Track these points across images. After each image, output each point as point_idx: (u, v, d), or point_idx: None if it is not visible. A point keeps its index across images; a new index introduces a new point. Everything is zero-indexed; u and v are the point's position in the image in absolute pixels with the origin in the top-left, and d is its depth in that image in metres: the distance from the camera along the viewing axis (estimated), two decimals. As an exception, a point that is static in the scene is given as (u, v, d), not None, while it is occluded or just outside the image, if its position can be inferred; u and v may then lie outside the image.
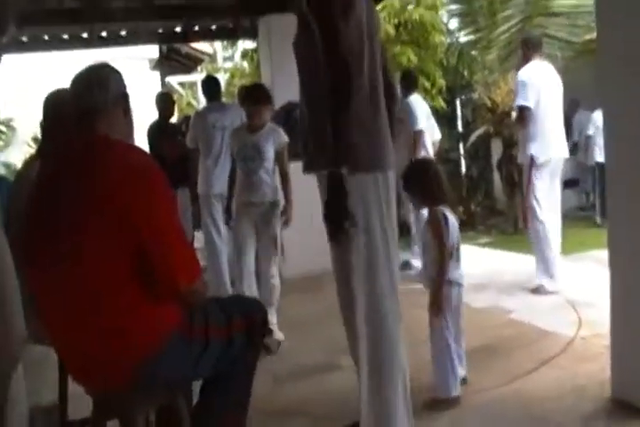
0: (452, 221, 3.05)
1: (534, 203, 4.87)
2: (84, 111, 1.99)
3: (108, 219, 1.80)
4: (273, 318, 3.97)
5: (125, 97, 2.07)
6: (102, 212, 1.81)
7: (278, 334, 4.04)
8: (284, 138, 4.16)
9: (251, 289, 4.21)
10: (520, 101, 4.86)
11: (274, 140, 4.12)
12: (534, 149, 4.83)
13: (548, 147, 4.86)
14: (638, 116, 2.69)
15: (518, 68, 5.26)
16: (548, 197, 4.91)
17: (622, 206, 2.85)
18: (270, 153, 4.10)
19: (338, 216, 2.22)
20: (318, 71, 2.24)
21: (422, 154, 5.58)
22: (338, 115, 2.20)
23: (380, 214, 2.32)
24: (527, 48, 5.12)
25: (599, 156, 7.97)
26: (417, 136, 5.62)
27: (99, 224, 1.81)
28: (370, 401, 2.36)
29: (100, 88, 2.00)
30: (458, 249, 3.09)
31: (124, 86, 2.08)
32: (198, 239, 5.89)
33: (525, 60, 5.07)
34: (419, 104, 5.85)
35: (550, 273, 4.81)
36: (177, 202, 5.30)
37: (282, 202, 4.17)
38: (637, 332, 2.78)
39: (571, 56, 8.26)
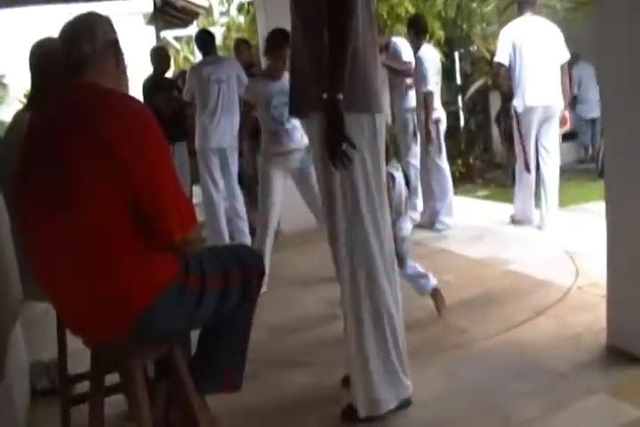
0: (399, 179, 3.19)
1: (517, 148, 5.36)
2: (73, 59, 1.95)
3: (101, 166, 1.77)
4: None
5: (115, 44, 2.02)
6: (95, 159, 1.78)
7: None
8: None
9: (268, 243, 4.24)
10: (496, 58, 5.30)
11: None
12: (515, 100, 5.22)
13: (529, 96, 5.14)
14: (632, 70, 2.64)
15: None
16: (533, 145, 5.31)
17: (618, 158, 2.82)
18: None
19: (338, 140, 2.20)
20: (316, 12, 2.22)
21: (434, 116, 5.39)
22: (334, 60, 2.20)
23: (361, 156, 2.30)
24: (519, 4, 5.36)
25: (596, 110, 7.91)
26: (427, 98, 5.30)
27: (92, 172, 1.78)
28: (353, 353, 2.41)
29: (87, 35, 1.95)
30: (405, 204, 3.33)
31: (114, 33, 2.03)
32: (196, 194, 5.88)
33: (519, 14, 5.30)
34: (431, 59, 5.42)
35: (523, 212, 5.39)
36: (171, 153, 5.34)
37: None
38: (633, 281, 2.79)
39: (570, 8, 8.10)
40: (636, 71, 2.62)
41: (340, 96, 2.19)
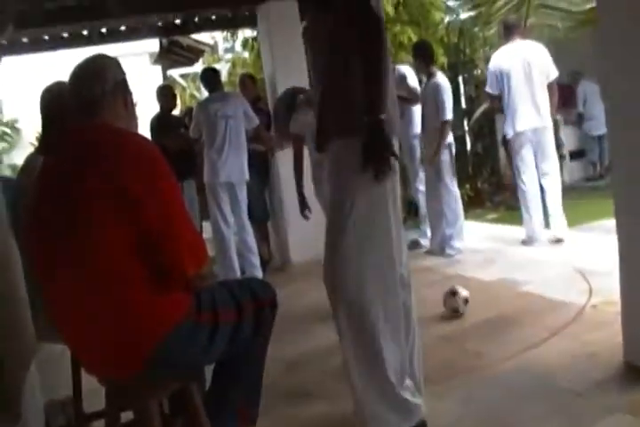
0: None
1: (515, 169, 5.54)
2: (83, 101, 2.00)
3: (114, 206, 1.81)
4: None
5: (124, 85, 2.07)
6: (109, 199, 1.81)
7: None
8: None
9: None
10: (486, 88, 5.65)
11: None
12: (506, 126, 5.51)
13: (518, 122, 5.38)
14: (635, 86, 2.67)
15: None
16: (532, 164, 5.48)
17: (626, 175, 2.84)
18: None
19: (385, 153, 2.32)
20: (335, 44, 2.40)
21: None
22: (375, 84, 2.35)
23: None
24: (505, 32, 5.62)
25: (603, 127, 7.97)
26: (446, 126, 5.41)
27: (105, 212, 1.81)
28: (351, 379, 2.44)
29: (97, 77, 2.01)
30: None
31: (123, 74, 2.09)
32: (206, 230, 5.93)
33: (506, 40, 5.54)
34: (447, 86, 5.52)
35: (532, 231, 5.44)
36: (181, 191, 5.40)
37: None
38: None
39: (571, 26, 8.17)
40: (637, 88, 2.66)
41: (383, 116, 2.32)
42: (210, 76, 5.56)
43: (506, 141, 5.93)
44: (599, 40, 2.88)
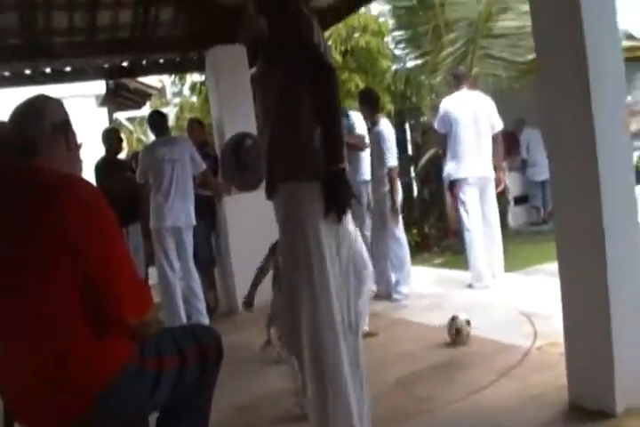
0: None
1: (460, 212, 5.68)
2: (23, 142, 1.96)
3: (51, 251, 1.77)
4: None
5: (65, 125, 2.03)
6: (46, 244, 1.77)
7: None
8: None
9: None
10: (435, 126, 5.91)
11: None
12: (449, 167, 5.69)
13: (464, 167, 5.59)
14: (576, 134, 2.79)
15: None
16: (477, 209, 5.64)
17: (567, 220, 2.93)
18: None
19: (347, 198, 2.46)
20: (286, 94, 2.49)
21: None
22: (333, 134, 2.46)
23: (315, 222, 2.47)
24: (454, 81, 5.94)
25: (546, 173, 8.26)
26: (393, 172, 5.45)
27: (42, 257, 1.77)
28: None
29: (38, 116, 1.97)
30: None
31: (65, 115, 2.05)
32: (152, 276, 5.83)
33: (456, 89, 5.83)
34: (391, 133, 5.59)
35: (477, 273, 5.56)
36: (124, 236, 5.32)
37: None
38: (589, 338, 2.85)
39: (515, 76, 8.50)
40: (580, 134, 2.76)
41: (344, 165, 2.45)
42: (157, 120, 5.55)
43: (451, 185, 6.10)
44: (540, 89, 2.99)
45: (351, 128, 5.96)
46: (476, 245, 5.60)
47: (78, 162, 2.13)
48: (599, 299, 2.75)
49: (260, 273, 3.67)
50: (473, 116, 5.59)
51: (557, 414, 2.88)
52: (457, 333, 4.05)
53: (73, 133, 2.07)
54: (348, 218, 2.54)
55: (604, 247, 2.71)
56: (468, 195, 5.62)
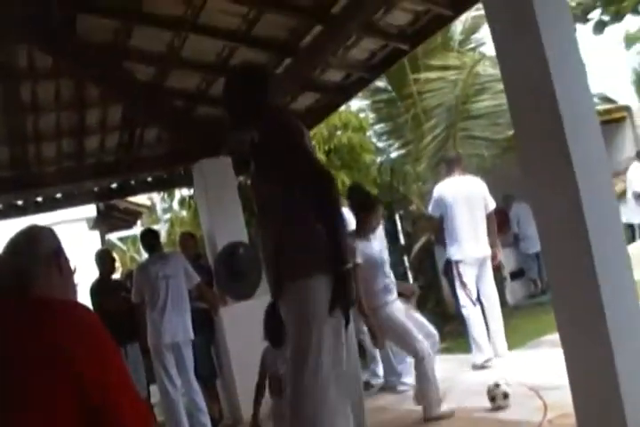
0: None
1: (459, 294, 5.72)
2: (16, 273, 1.99)
3: (52, 381, 1.75)
4: None
5: (57, 253, 2.05)
6: (45, 375, 1.74)
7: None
8: None
9: None
10: (429, 210, 6.08)
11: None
12: (450, 251, 5.77)
13: (463, 250, 5.69)
14: (562, 205, 2.85)
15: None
16: (475, 289, 5.70)
17: (564, 289, 2.94)
18: None
19: (353, 299, 2.61)
20: (284, 197, 2.63)
21: None
22: (338, 237, 2.58)
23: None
24: (446, 166, 6.14)
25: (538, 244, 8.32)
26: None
27: (42, 388, 1.75)
28: None
29: (29, 247, 2.00)
30: None
31: (57, 242, 2.08)
32: (154, 393, 5.69)
33: (448, 175, 5.98)
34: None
35: (480, 348, 5.55)
36: (124, 355, 5.24)
37: None
38: (599, 407, 2.79)
39: (498, 153, 8.68)
40: (566, 204, 2.82)
41: (351, 265, 2.62)
42: (149, 238, 5.63)
43: (447, 268, 6.15)
44: (522, 163, 3.08)
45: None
46: (475, 320, 5.63)
47: (72, 286, 2.14)
48: (606, 366, 2.71)
49: (259, 391, 3.64)
50: (467, 200, 5.74)
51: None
52: (491, 400, 4.17)
53: (66, 259, 2.10)
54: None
55: (604, 311, 2.69)
56: (467, 276, 5.69)
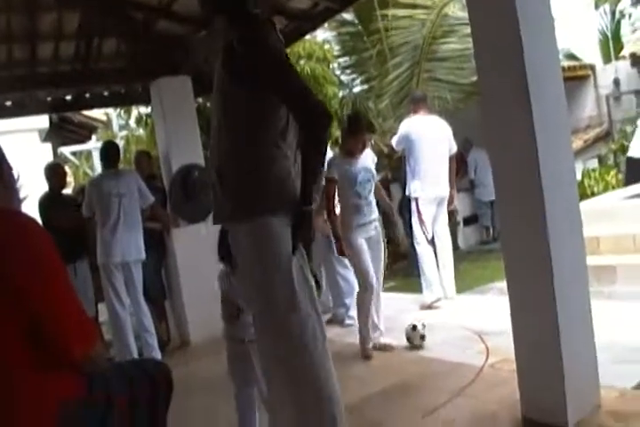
0: None
1: (415, 230, 5.81)
2: None
3: None
4: None
5: None
6: None
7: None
8: (374, 156, 4.73)
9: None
10: (393, 144, 6.16)
11: (372, 161, 4.66)
12: (412, 187, 5.83)
13: (425, 188, 5.77)
14: (519, 153, 2.86)
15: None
16: (432, 225, 5.81)
17: (514, 238, 2.99)
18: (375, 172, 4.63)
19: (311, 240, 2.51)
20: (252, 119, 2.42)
21: None
22: (314, 177, 2.47)
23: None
24: (412, 104, 6.12)
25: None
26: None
27: None
28: None
29: None
30: None
31: None
32: (102, 312, 5.71)
33: (414, 112, 6.00)
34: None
35: (430, 287, 5.69)
36: (71, 272, 5.21)
37: None
38: (539, 354, 2.91)
39: (460, 97, 8.66)
40: (523, 153, 2.84)
41: (314, 206, 2.46)
42: (109, 151, 5.46)
43: (403, 206, 6.20)
44: (483, 109, 3.06)
45: None
46: (428, 258, 5.75)
47: (14, 193, 2.07)
48: (547, 315, 2.81)
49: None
50: (433, 139, 5.79)
51: (512, 429, 2.90)
52: (422, 338, 4.41)
53: (9, 167, 2.03)
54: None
55: (551, 263, 2.78)
56: (426, 213, 5.78)
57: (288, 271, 2.42)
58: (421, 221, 5.79)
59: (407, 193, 6.00)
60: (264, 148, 2.43)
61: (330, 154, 5.28)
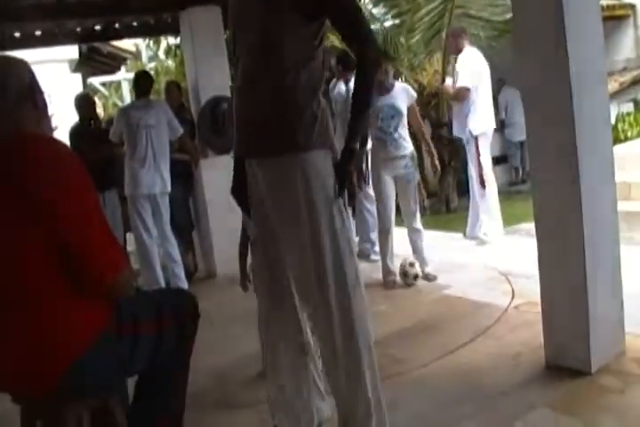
0: None
1: (479, 167, 5.72)
2: None
3: (25, 210, 1.74)
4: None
5: (32, 87, 1.96)
6: (18, 204, 1.74)
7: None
8: (414, 93, 4.65)
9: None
10: (462, 83, 5.69)
11: (407, 97, 4.58)
12: (472, 124, 5.66)
13: (486, 122, 5.73)
14: (553, 94, 2.77)
15: (450, 54, 6.29)
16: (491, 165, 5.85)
17: (545, 179, 2.93)
18: (404, 109, 4.53)
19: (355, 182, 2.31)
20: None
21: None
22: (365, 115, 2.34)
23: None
24: (457, 38, 5.92)
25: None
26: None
27: (14, 219, 1.74)
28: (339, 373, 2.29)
29: (0, 79, 1.89)
30: None
31: (31, 75, 1.97)
32: (130, 242, 5.77)
33: (458, 48, 5.84)
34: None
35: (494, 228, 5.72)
36: (101, 201, 5.26)
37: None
38: (565, 297, 2.89)
39: (494, 35, 8.39)
40: (556, 93, 2.75)
41: (358, 146, 2.29)
42: (141, 81, 5.41)
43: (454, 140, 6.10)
44: (516, 48, 2.95)
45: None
46: (483, 199, 5.75)
47: (48, 122, 2.07)
48: (576, 259, 2.78)
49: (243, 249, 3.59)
50: (484, 74, 5.73)
51: (534, 372, 2.93)
52: (415, 278, 4.52)
53: (41, 93, 2.01)
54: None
55: (581, 207, 2.73)
56: (487, 149, 5.76)
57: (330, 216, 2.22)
58: (485, 160, 5.73)
59: (460, 133, 5.87)
60: (310, 82, 2.22)
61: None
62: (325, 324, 2.26)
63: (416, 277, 4.55)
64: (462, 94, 5.67)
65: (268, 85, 2.22)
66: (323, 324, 2.28)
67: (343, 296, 2.24)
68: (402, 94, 4.57)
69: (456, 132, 6.01)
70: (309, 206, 2.19)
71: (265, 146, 2.26)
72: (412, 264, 4.56)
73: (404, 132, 4.57)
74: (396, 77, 9.75)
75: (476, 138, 5.67)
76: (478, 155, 5.69)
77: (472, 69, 5.68)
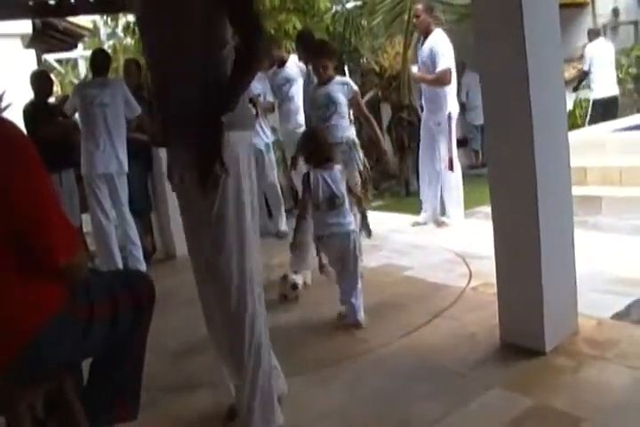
0: (319, 180, 3.53)
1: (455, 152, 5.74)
2: None
3: None
4: None
5: None
6: None
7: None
8: (354, 87, 4.64)
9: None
10: (445, 65, 5.58)
11: (344, 91, 4.58)
12: (451, 106, 5.66)
13: (457, 104, 5.79)
14: (510, 78, 2.79)
15: (420, 33, 6.06)
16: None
17: (501, 163, 2.96)
18: (340, 100, 4.52)
19: (212, 161, 2.19)
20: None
21: None
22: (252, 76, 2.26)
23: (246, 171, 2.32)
24: (430, 15, 5.85)
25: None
26: None
27: None
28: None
29: None
30: (329, 200, 3.54)
31: None
32: (87, 223, 5.69)
33: (428, 29, 5.76)
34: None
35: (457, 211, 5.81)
36: (56, 181, 5.14)
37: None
38: (519, 278, 2.94)
39: (455, 19, 8.42)
40: (513, 77, 2.77)
41: (225, 119, 2.16)
42: (98, 58, 5.26)
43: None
44: (475, 32, 2.96)
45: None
46: (444, 182, 5.82)
47: None
48: (530, 242, 2.82)
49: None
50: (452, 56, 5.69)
51: (490, 352, 2.98)
52: (293, 288, 4.13)
53: None
54: None
55: (536, 191, 2.76)
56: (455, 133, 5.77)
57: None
58: (450, 142, 5.72)
59: (449, 111, 5.73)
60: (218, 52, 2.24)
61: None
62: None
63: (294, 286, 4.20)
64: (448, 77, 5.62)
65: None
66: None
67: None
68: (339, 86, 4.55)
69: (428, 115, 5.91)
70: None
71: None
72: (284, 277, 4.24)
73: (341, 121, 4.56)
74: (356, 59, 9.82)
75: (449, 120, 5.68)
76: (451, 138, 5.71)
77: (450, 50, 5.67)
